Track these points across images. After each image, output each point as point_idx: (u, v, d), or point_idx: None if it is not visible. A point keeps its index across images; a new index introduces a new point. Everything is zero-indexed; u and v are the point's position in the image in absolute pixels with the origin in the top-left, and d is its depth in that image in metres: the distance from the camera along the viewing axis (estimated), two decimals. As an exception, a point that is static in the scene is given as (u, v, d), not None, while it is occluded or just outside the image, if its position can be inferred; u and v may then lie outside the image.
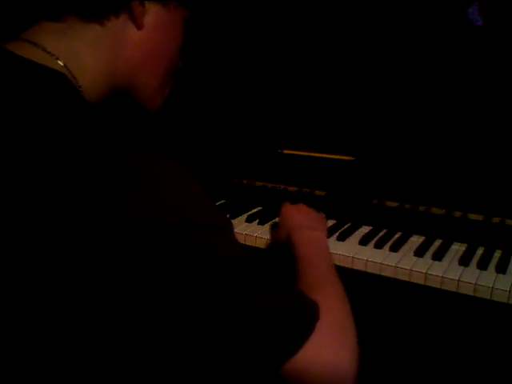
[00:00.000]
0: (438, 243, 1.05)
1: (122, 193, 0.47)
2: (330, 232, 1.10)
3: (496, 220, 1.04)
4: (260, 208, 1.27)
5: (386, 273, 0.97)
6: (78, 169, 0.47)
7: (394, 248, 1.03)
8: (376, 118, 1.18)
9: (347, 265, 1.01)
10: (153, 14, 0.62)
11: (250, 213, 1.27)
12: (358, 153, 1.18)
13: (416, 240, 1.08)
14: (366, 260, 0.99)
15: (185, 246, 0.49)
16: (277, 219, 1.06)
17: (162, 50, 0.66)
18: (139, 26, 0.62)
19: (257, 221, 1.21)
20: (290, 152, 1.26)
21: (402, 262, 0.97)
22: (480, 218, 1.05)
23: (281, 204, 1.03)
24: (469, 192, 1.05)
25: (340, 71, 1.23)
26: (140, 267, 0.47)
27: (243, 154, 1.32)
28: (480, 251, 1.01)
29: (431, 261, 0.97)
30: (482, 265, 0.94)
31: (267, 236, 1.12)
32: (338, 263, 1.01)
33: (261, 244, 1.12)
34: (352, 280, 1.02)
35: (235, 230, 1.12)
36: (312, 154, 1.23)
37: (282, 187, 1.28)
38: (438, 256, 0.98)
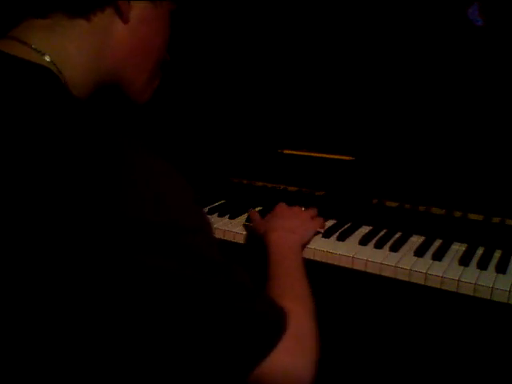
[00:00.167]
0: (437, 243, 1.05)
1: (121, 191, 0.47)
2: (330, 232, 1.10)
3: (496, 220, 1.04)
4: (260, 208, 1.27)
5: (386, 273, 0.97)
6: (72, 165, 0.47)
7: (394, 248, 1.03)
8: (376, 118, 1.18)
9: (347, 265, 1.01)
10: (139, 8, 0.63)
11: (250, 213, 1.27)
12: (358, 153, 1.18)
13: (416, 240, 1.08)
14: (366, 260, 0.99)
15: (174, 245, 0.49)
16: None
17: (148, 43, 0.66)
18: (125, 21, 0.62)
19: (257, 221, 1.20)
20: (289, 152, 1.26)
21: (401, 262, 0.97)
22: (480, 218, 1.05)
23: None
24: (469, 192, 1.05)
25: (340, 71, 1.23)
26: (133, 265, 0.47)
27: (243, 153, 1.32)
28: (480, 251, 1.01)
29: (431, 261, 0.97)
30: (482, 265, 0.94)
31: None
32: (338, 263, 1.01)
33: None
34: (352, 280, 1.03)
35: (235, 230, 1.14)
36: (312, 154, 1.23)
37: (282, 187, 1.28)
38: (438, 256, 0.98)
